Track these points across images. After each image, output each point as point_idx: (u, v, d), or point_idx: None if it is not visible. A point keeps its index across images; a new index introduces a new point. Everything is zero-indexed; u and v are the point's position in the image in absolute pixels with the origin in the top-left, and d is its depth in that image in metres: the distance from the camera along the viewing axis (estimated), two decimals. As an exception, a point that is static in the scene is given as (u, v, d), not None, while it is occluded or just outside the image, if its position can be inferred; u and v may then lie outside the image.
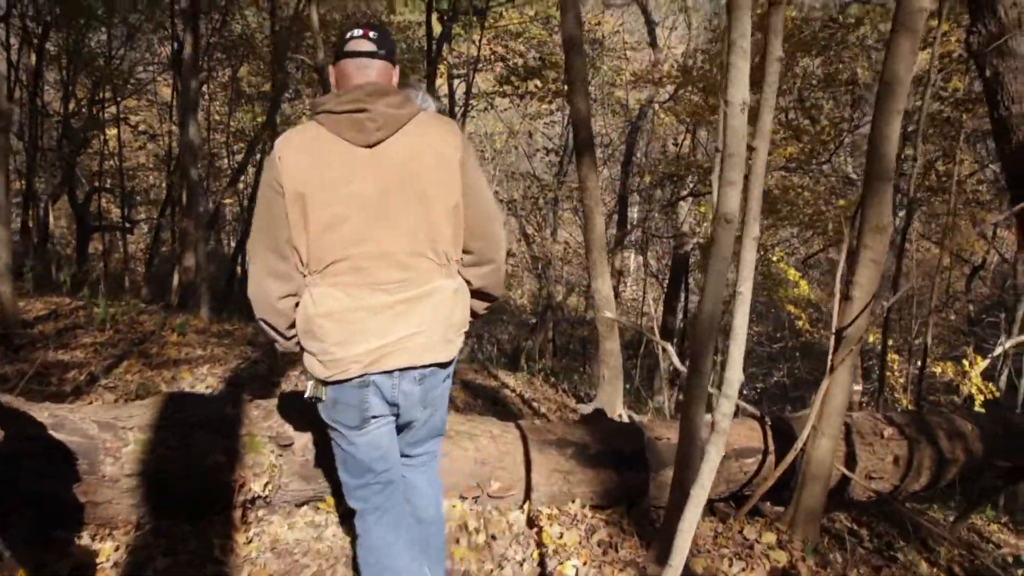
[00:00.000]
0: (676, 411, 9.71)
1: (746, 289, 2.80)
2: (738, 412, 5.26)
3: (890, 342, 15.85)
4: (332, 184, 2.34)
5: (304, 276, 2.44)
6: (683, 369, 5.31)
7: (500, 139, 26.49)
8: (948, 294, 19.60)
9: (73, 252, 19.11)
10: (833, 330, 4.61)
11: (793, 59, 11.28)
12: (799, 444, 4.63)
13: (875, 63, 10.32)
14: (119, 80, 17.11)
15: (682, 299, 17.57)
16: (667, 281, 17.71)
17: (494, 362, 23.37)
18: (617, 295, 15.24)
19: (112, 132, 18.10)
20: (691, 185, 16.33)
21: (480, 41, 13.66)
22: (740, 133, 3.23)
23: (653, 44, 16.21)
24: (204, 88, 16.71)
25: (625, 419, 6.93)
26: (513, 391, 7.19)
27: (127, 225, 18.90)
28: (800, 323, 14.61)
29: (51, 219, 18.72)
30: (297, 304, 2.47)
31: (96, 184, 18.89)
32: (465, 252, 2.55)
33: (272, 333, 2.55)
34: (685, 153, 16.30)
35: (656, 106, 15.65)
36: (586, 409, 6.99)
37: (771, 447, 5.04)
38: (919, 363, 14.51)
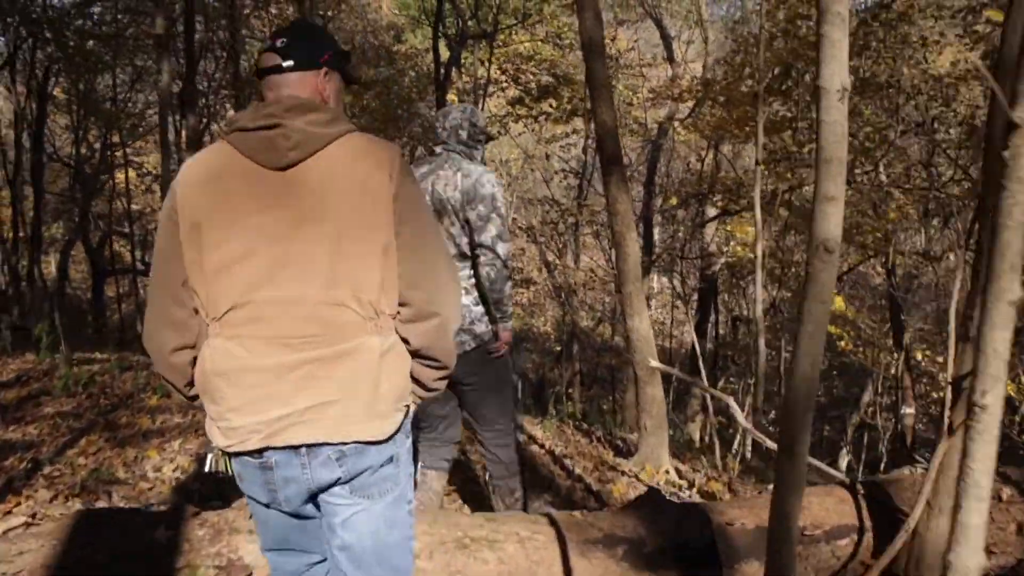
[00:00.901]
0: (707, 446, 8.65)
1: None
2: (822, 475, 4.17)
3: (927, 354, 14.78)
4: (233, 214, 1.93)
5: (206, 324, 1.99)
6: (747, 426, 4.25)
7: (516, 165, 25.67)
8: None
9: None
10: (949, 378, 3.55)
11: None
12: (910, 523, 3.56)
13: (917, 63, 9.26)
14: (128, 123, 16.41)
15: (712, 321, 16.46)
16: (695, 303, 16.62)
17: (519, 393, 22.44)
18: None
19: (120, 175, 17.38)
20: (717, 203, 15.32)
21: (490, 64, 12.72)
22: (839, 130, 2.44)
23: (670, 59, 15.25)
24: (211, 126, 15.90)
25: (672, 475, 5.84)
26: (541, 446, 6.12)
27: (140, 267, 18.05)
28: (842, 343, 13.56)
29: (69, 265, 18.08)
30: (196, 358, 2.04)
31: (109, 228, 18.14)
32: (402, 305, 2.01)
33: (173, 391, 2.14)
34: (709, 170, 15.25)
35: (676, 123, 14.64)
36: (627, 465, 5.89)
37: (867, 523, 3.99)
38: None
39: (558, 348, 22.92)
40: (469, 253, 3.37)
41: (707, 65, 14.69)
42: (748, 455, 7.40)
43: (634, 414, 13.95)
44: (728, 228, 15.83)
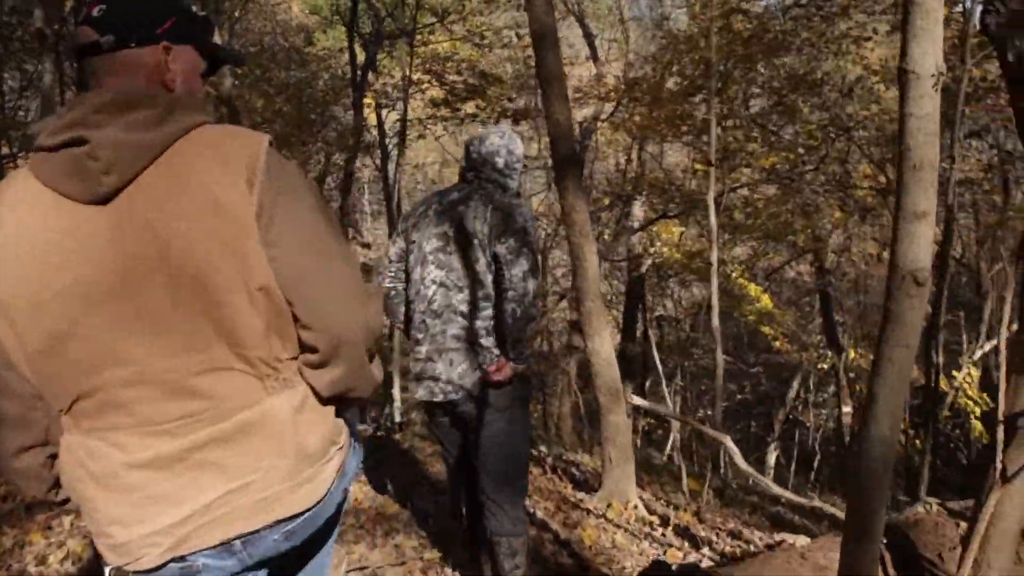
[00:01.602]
0: (663, 467, 8.08)
1: None
2: (832, 520, 3.57)
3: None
4: (41, 276, 1.39)
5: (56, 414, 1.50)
6: (749, 470, 3.62)
7: (432, 169, 24.90)
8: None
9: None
10: (1000, 416, 2.98)
11: (753, 60, 9.78)
12: (958, 587, 2.98)
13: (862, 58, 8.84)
14: (19, 133, 15.04)
15: (640, 324, 16.00)
16: (623, 307, 16.13)
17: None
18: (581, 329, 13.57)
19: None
20: (658, 206, 14.84)
21: (411, 64, 11.92)
22: (931, 127, 1.93)
23: (594, 58, 14.66)
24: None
25: (641, 510, 5.20)
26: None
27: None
28: (777, 343, 13.27)
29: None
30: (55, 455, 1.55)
31: None
32: (302, 348, 1.52)
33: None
34: (635, 170, 14.77)
35: (601, 123, 14.08)
36: (592, 502, 5.22)
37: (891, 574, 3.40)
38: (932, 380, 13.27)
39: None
40: (494, 292, 3.05)
41: (630, 64, 14.17)
42: (708, 475, 6.86)
43: (570, 426, 13.40)
44: (654, 229, 15.41)
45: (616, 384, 5.14)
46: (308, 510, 1.57)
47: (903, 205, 1.97)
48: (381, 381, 1.72)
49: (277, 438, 1.51)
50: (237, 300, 1.43)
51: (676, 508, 5.67)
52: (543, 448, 7.55)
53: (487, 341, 3.01)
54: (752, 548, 4.88)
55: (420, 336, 3.13)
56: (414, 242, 3.14)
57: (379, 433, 7.15)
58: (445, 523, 4.43)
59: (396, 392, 10.09)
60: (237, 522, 1.51)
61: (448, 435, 3.30)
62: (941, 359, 15.66)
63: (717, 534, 5.22)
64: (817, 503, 3.43)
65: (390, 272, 3.24)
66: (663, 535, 4.91)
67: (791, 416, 15.76)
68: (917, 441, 11.98)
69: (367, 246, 15.17)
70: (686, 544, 4.77)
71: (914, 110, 1.93)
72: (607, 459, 5.20)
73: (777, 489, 3.44)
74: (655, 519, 5.13)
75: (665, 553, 4.50)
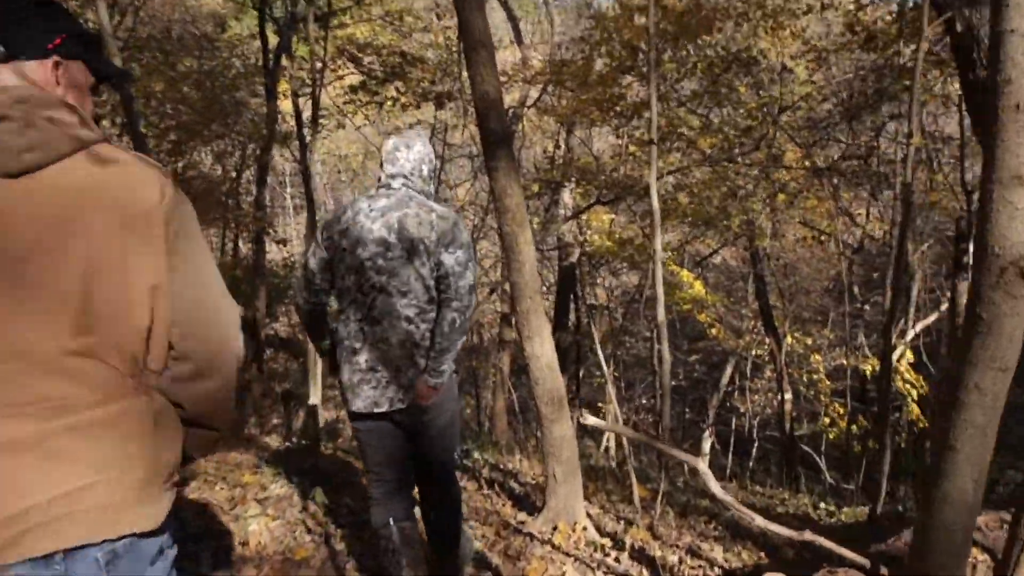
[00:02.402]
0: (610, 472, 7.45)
1: None
2: (841, 561, 2.97)
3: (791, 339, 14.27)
4: None
5: None
6: (727, 498, 2.99)
7: (356, 160, 23.95)
8: (831, 279, 18.30)
9: None
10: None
11: (689, 35, 9.20)
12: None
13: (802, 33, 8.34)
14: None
15: (573, 314, 15.43)
16: (554, 296, 15.52)
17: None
18: (511, 322, 12.89)
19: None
20: (571, 189, 14.25)
21: (326, 48, 11.06)
22: None
23: (518, 41, 13.98)
24: None
25: (592, 532, 4.55)
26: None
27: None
28: (714, 330, 12.83)
29: None
30: None
31: None
32: (175, 359, 1.57)
33: None
34: (563, 156, 14.14)
35: (527, 108, 13.42)
36: (536, 524, 4.54)
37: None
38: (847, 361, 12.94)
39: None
40: (437, 297, 3.03)
41: (556, 47, 13.52)
42: (660, 483, 6.24)
43: (505, 423, 12.74)
44: (584, 217, 14.86)
45: (559, 392, 4.47)
46: (146, 535, 1.51)
47: (998, 164, 1.32)
48: (235, 422, 1.41)
49: (135, 442, 1.50)
50: (128, 296, 1.49)
51: (628, 523, 5.03)
52: (477, 455, 6.85)
53: (438, 363, 3.00)
54: (717, 571, 4.28)
55: (358, 345, 3.02)
56: (344, 250, 3.01)
57: (293, 443, 6.39)
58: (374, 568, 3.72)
59: (317, 398, 9.29)
60: (72, 530, 1.44)
61: (383, 456, 3.21)
62: (862, 340, 15.52)
63: (675, 553, 4.60)
64: (809, 536, 2.81)
65: (315, 285, 3.10)
66: (617, 560, 4.27)
67: (727, 403, 15.38)
68: (853, 427, 11.66)
69: (283, 243, 14.25)
70: (645, 572, 4.12)
71: (1012, 73, 1.28)
72: (551, 476, 4.52)
73: (761, 521, 2.81)
74: (606, 542, 4.48)
75: (622, 586, 3.86)
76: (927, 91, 9.46)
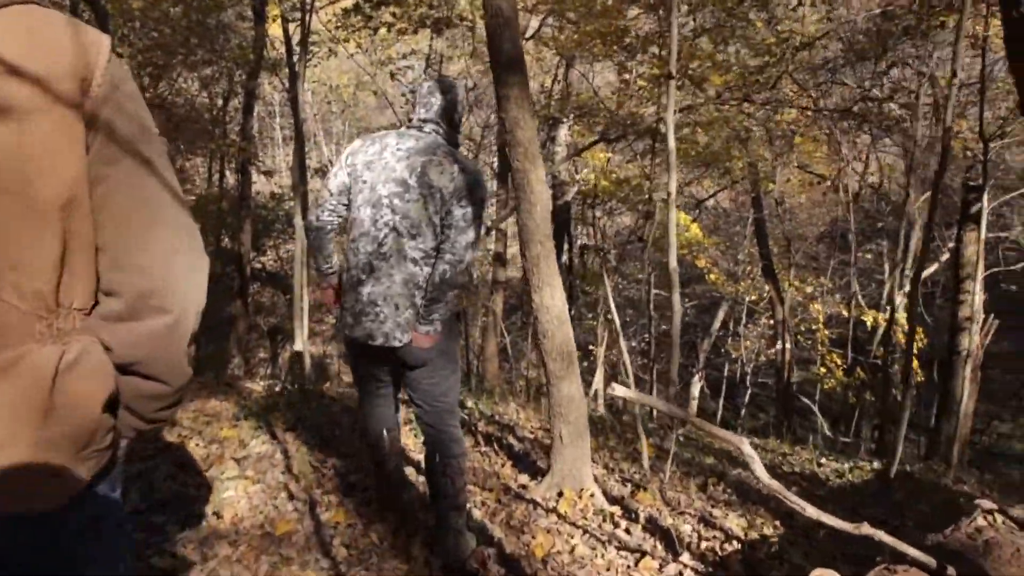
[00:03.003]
0: (610, 427, 7.06)
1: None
2: (902, 559, 2.54)
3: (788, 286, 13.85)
4: None
5: None
6: (773, 484, 2.55)
7: (347, 91, 23.12)
8: (828, 223, 17.87)
9: None
10: None
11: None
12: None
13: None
14: None
15: (565, 256, 14.96)
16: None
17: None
18: (505, 263, 12.40)
19: None
20: (569, 126, 13.67)
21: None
22: None
23: (519, -33, 13.22)
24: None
25: (599, 497, 4.14)
26: (413, 466, 4.27)
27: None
28: (712, 276, 12.38)
29: None
30: None
31: None
32: (105, 293, 1.25)
33: None
34: (562, 90, 13.51)
35: (525, 40, 12.72)
36: (540, 490, 4.13)
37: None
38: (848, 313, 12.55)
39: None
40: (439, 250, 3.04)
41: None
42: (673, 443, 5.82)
43: (496, 367, 12.33)
44: (581, 155, 14.27)
45: (569, 346, 4.02)
46: (32, 516, 1.22)
47: None
48: (188, 376, 1.31)
49: (25, 398, 1.16)
50: (29, 217, 1.16)
51: (636, 487, 4.63)
52: (470, 404, 6.43)
53: (429, 312, 3.00)
54: (736, 545, 3.89)
55: (363, 277, 3.05)
56: (365, 181, 3.05)
57: (278, 390, 5.93)
58: (366, 538, 3.29)
59: (304, 338, 8.83)
60: None
61: (375, 376, 3.31)
62: (857, 288, 15.13)
63: (688, 522, 4.20)
64: (868, 531, 2.38)
65: (328, 205, 3.13)
66: (628, 532, 3.86)
67: (719, 348, 15.01)
68: (843, 375, 11.31)
69: (270, 174, 13.63)
70: (659, 547, 3.72)
71: None
72: (557, 437, 4.09)
73: (812, 512, 2.38)
74: (616, 510, 4.07)
75: (638, 564, 3.45)
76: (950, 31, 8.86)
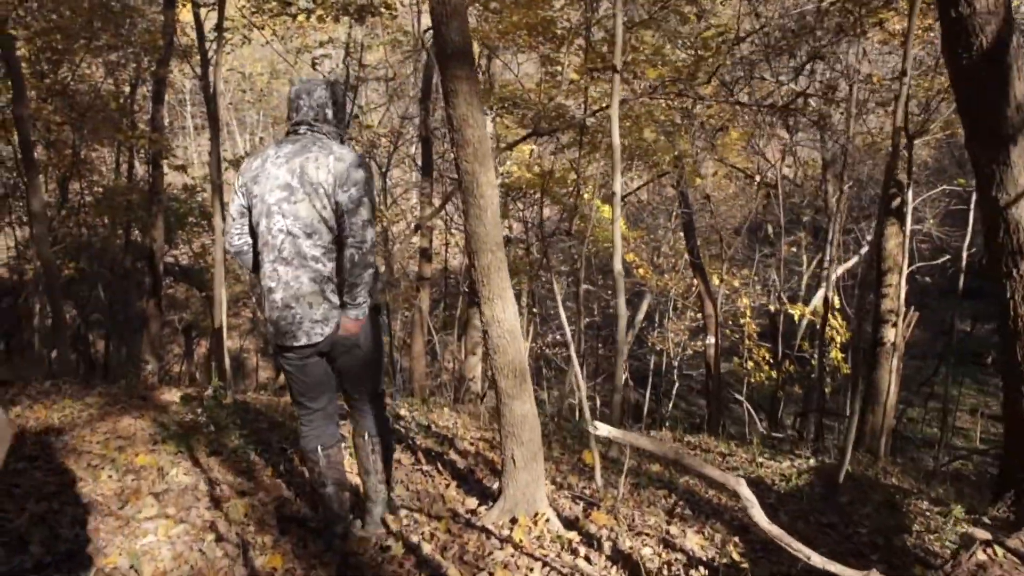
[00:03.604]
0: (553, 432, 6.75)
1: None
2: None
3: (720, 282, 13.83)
4: None
5: None
6: (774, 531, 2.29)
7: (262, 80, 22.30)
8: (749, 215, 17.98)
9: None
10: None
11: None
12: None
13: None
14: None
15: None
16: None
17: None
18: (431, 258, 11.99)
19: None
20: (492, 118, 13.30)
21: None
22: None
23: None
24: None
25: (554, 522, 3.83)
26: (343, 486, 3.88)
27: None
28: (641, 270, 12.22)
29: None
30: None
31: None
32: None
33: None
34: (485, 82, 13.14)
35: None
36: (492, 516, 3.79)
37: None
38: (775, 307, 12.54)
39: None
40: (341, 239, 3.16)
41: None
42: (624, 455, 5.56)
43: (423, 367, 11.94)
44: (512, 149, 13.93)
45: (522, 364, 3.69)
46: None
47: None
48: None
49: None
50: None
51: (588, 505, 4.34)
52: (405, 414, 6.05)
53: (352, 297, 3.15)
54: (703, 571, 3.63)
55: (273, 284, 3.17)
56: (256, 196, 3.18)
57: (198, 396, 5.43)
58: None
59: (224, 335, 8.29)
60: None
61: (309, 388, 3.35)
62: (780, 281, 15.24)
63: (647, 544, 3.94)
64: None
65: (235, 230, 3.26)
66: (589, 560, 3.57)
67: (643, 340, 14.91)
68: (774, 373, 11.30)
69: (182, 168, 12.90)
70: (622, 574, 3.44)
71: None
72: (509, 459, 3.76)
73: (818, 560, 2.12)
74: (573, 535, 3.77)
75: (603, 600, 3.16)
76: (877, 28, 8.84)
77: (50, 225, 14.02)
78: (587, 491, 4.71)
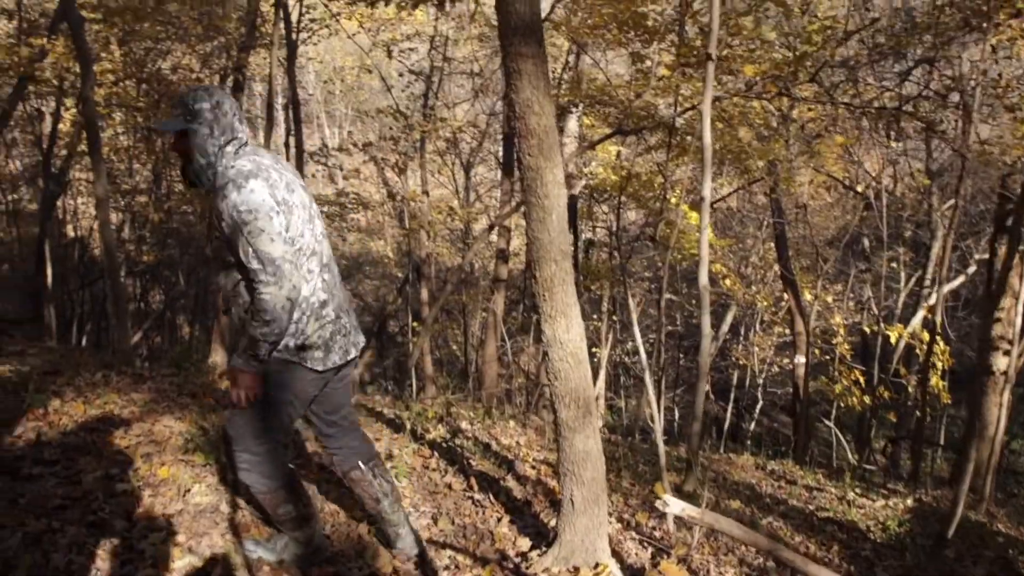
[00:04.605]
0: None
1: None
2: None
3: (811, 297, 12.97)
4: None
5: None
6: None
7: (351, 74, 22.21)
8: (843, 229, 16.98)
9: None
10: None
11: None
12: None
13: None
14: None
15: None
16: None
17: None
18: (507, 258, 11.52)
19: None
20: (578, 116, 12.77)
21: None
22: None
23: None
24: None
25: (616, 574, 3.28)
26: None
27: None
28: (728, 281, 11.51)
29: None
30: None
31: None
32: None
33: None
34: (572, 78, 12.61)
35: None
36: (545, 563, 3.27)
37: None
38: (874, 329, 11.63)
39: (400, 274, 20.09)
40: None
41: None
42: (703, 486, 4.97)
43: (495, 373, 11.46)
44: (595, 148, 13.36)
45: (586, 392, 3.15)
46: None
47: None
48: None
49: None
50: None
51: (657, 551, 3.77)
52: (464, 426, 5.57)
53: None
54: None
55: (326, 297, 2.79)
56: (296, 204, 2.70)
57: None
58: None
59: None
60: None
61: (339, 398, 3.02)
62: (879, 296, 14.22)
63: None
64: None
65: (295, 265, 2.65)
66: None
67: (728, 354, 14.14)
68: (867, 397, 10.40)
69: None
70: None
71: None
72: (568, 501, 3.23)
73: None
74: (639, 592, 3.22)
75: None
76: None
77: (144, 209, 14.15)
78: (658, 532, 4.13)
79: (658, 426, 3.80)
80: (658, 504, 1.89)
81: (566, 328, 3.05)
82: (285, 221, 2.61)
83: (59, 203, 14.01)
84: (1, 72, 11.21)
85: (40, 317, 11.94)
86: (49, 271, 12.13)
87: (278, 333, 2.58)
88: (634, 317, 4.38)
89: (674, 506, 1.81)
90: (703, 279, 4.70)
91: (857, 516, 5.74)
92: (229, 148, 2.67)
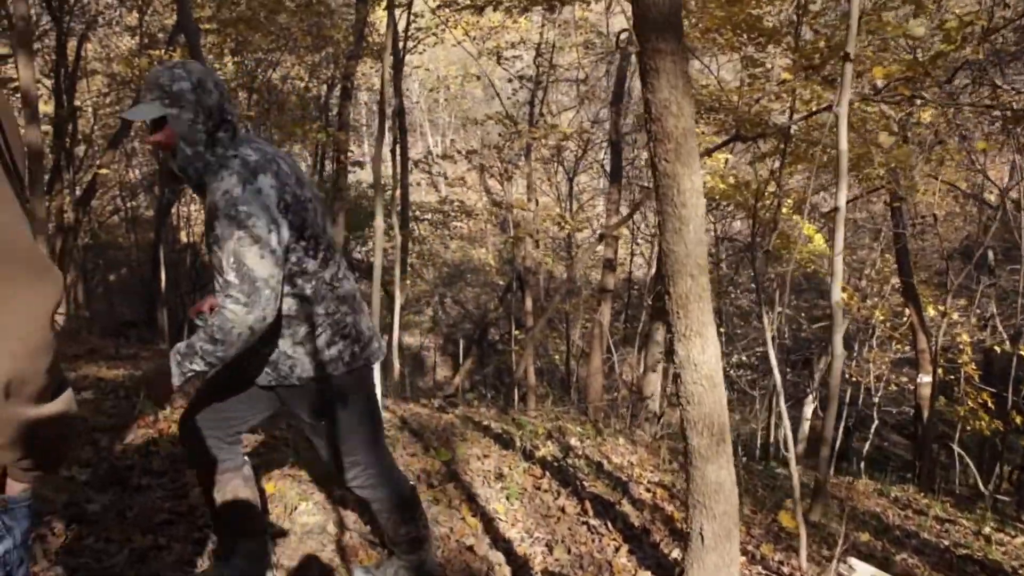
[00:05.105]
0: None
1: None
2: None
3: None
4: None
5: None
6: None
7: (455, 82, 22.30)
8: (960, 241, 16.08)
9: None
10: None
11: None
12: None
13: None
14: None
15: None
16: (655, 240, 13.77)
17: (456, 330, 19.62)
18: (615, 268, 11.23)
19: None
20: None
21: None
22: None
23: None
24: None
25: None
26: (500, 541, 3.21)
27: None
28: (845, 295, 10.94)
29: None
30: None
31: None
32: None
33: None
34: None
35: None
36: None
37: None
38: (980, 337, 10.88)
39: (501, 282, 20.03)
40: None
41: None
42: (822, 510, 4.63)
43: (599, 386, 11.19)
44: (710, 155, 12.94)
45: (721, 418, 2.88)
46: None
47: None
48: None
49: None
50: None
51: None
52: (574, 443, 5.33)
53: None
54: None
55: (350, 288, 2.54)
56: (306, 199, 2.37)
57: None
58: None
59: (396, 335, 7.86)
60: None
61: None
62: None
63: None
64: None
65: (278, 283, 2.25)
66: None
67: (850, 375, 13.44)
68: (996, 422, 9.65)
69: (359, 164, 12.85)
70: None
71: None
72: (696, 535, 2.96)
73: None
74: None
75: None
76: None
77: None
78: (786, 568, 3.81)
79: (791, 452, 3.47)
80: (842, 569, 1.63)
81: (701, 349, 2.79)
82: (286, 236, 2.26)
83: (174, 210, 14.45)
84: (123, 84, 11.59)
85: (154, 320, 12.29)
86: (163, 275, 12.48)
87: (220, 358, 2.18)
88: (768, 335, 4.05)
89: (860, 569, 1.54)
90: (836, 295, 4.35)
91: (998, 555, 5.25)
92: (221, 134, 2.26)
